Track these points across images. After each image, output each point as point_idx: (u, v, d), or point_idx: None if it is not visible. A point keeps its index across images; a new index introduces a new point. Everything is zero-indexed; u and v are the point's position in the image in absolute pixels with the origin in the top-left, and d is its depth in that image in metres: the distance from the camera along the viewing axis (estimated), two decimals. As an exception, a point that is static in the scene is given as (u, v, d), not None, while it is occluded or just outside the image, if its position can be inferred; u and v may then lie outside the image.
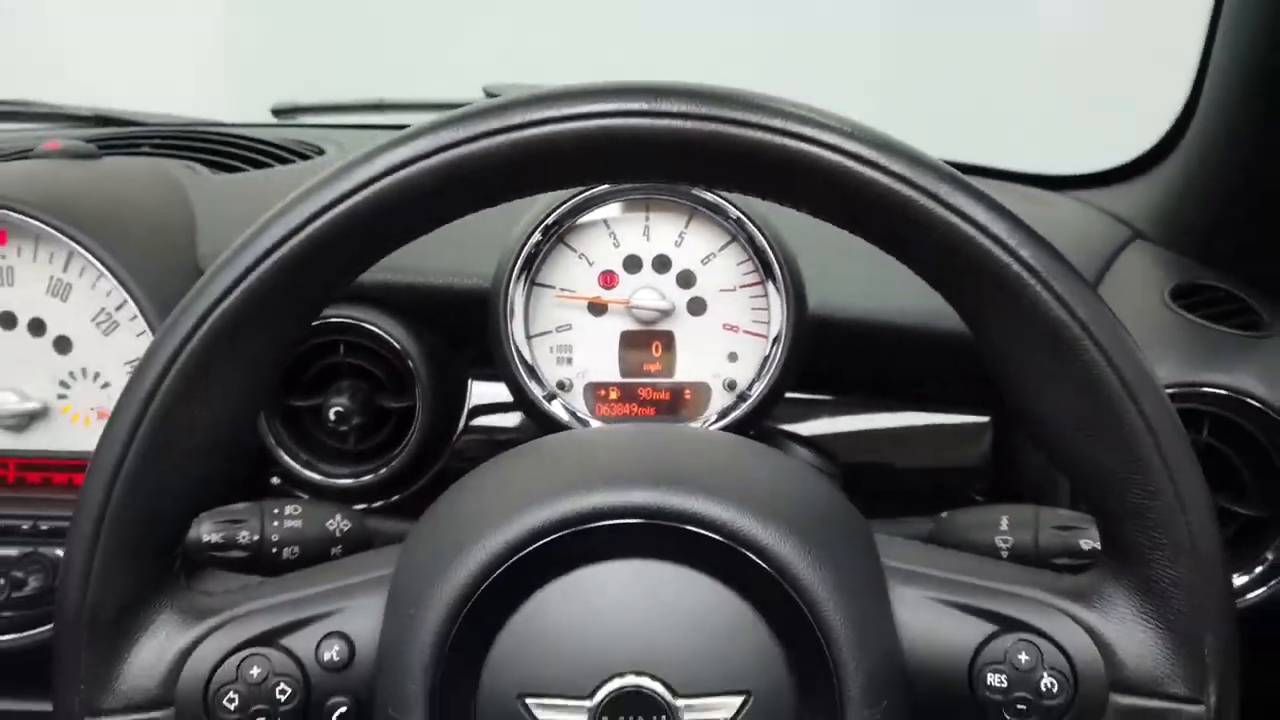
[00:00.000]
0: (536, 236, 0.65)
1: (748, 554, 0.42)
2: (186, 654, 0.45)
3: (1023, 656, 0.43)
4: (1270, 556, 0.68)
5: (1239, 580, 0.68)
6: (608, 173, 0.46)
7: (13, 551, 0.70)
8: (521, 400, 0.66)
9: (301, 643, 0.45)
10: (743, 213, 0.65)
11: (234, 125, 1.08)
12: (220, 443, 0.45)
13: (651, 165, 0.43)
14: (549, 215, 0.66)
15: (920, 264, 0.43)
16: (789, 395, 0.78)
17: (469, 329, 0.73)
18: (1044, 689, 0.43)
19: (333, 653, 0.45)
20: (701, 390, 0.67)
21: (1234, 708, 0.43)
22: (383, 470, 0.72)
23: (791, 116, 0.41)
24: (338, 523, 0.59)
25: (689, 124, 0.40)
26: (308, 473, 0.72)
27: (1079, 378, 0.42)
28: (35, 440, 0.73)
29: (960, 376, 0.77)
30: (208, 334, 0.43)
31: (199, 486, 0.45)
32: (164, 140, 0.92)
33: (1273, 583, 0.67)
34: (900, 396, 0.75)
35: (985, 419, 0.77)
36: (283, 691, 0.44)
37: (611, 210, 0.67)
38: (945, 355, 0.73)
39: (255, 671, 0.44)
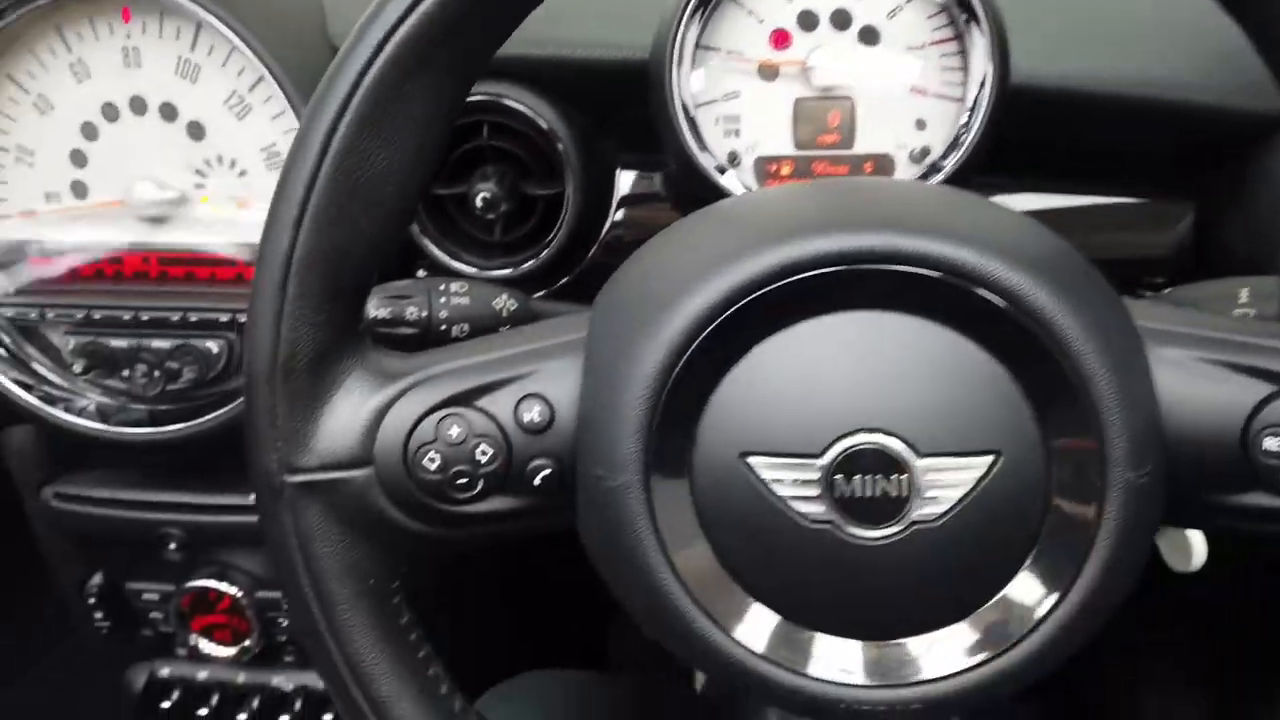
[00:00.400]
0: (702, -8, 0.59)
1: (995, 300, 0.38)
2: (383, 413, 0.43)
3: None
4: None
5: None
6: None
7: (165, 344, 0.69)
8: (689, 174, 0.61)
9: (499, 404, 0.43)
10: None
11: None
12: (401, 189, 0.42)
13: None
14: (715, -34, 0.59)
15: None
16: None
17: (619, 110, 0.68)
18: None
19: (533, 414, 0.42)
20: (885, 162, 0.61)
21: None
22: (531, 261, 0.69)
23: None
24: (504, 302, 0.56)
25: None
26: (454, 264, 0.69)
27: None
28: (175, 233, 0.71)
29: (1158, 155, 0.70)
30: (387, 63, 0.39)
31: (386, 232, 0.42)
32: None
33: None
34: (1096, 175, 0.68)
35: (1186, 207, 0.70)
36: (483, 452, 0.42)
37: (785, -38, 0.60)
38: (1149, 126, 0.66)
39: (455, 432, 0.42)
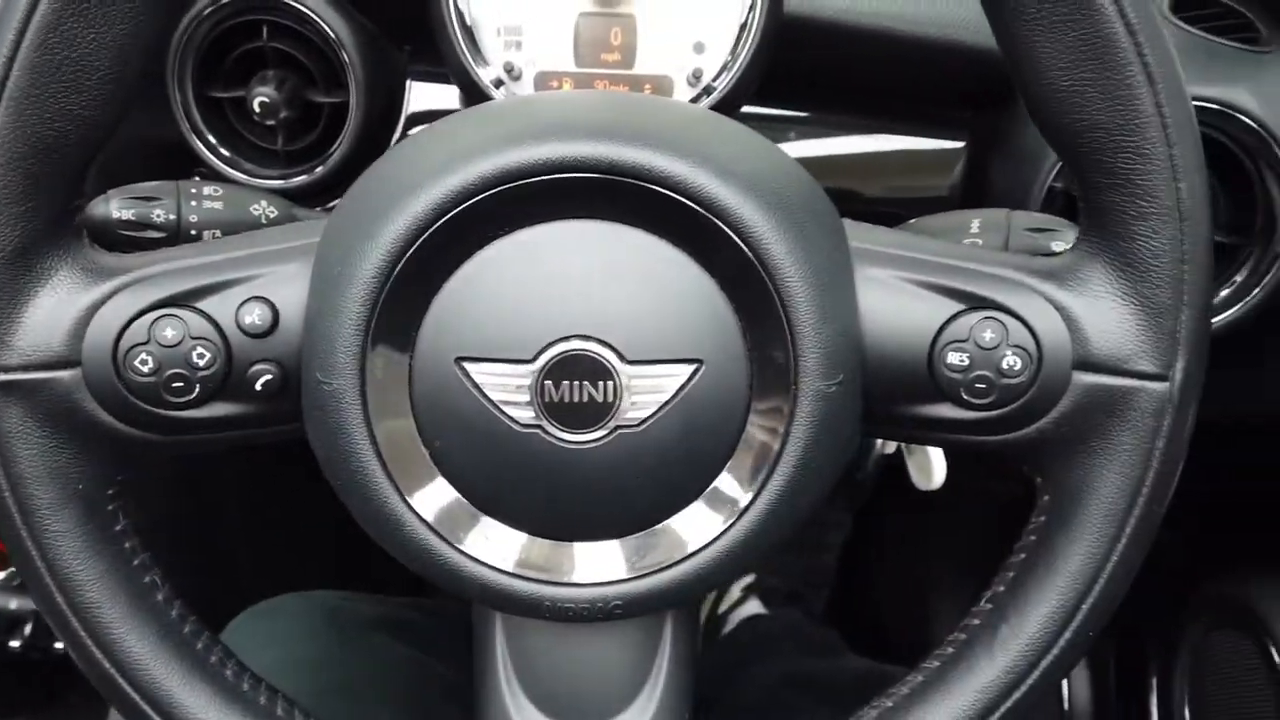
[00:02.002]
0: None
1: (705, 214, 0.39)
2: (92, 311, 0.41)
3: (987, 334, 0.41)
4: (1239, 280, 0.66)
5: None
6: None
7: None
8: (466, 87, 0.60)
9: (219, 306, 0.42)
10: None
11: None
12: (114, 71, 0.40)
13: None
14: None
15: None
16: (757, 111, 0.73)
17: (409, 18, 0.66)
18: (1005, 367, 0.41)
19: (254, 317, 0.41)
20: (664, 83, 0.61)
21: (1198, 390, 0.42)
22: (314, 172, 0.67)
23: None
24: (264, 208, 0.54)
25: None
26: (232, 172, 0.67)
27: (1084, 19, 0.37)
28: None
29: (938, 93, 0.72)
30: None
31: (96, 118, 0.40)
32: None
33: (1238, 305, 0.66)
34: (875, 112, 0.71)
35: (959, 144, 0.73)
36: (200, 355, 0.41)
37: None
38: (924, 65, 0.68)
39: (169, 333, 0.41)
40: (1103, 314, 0.41)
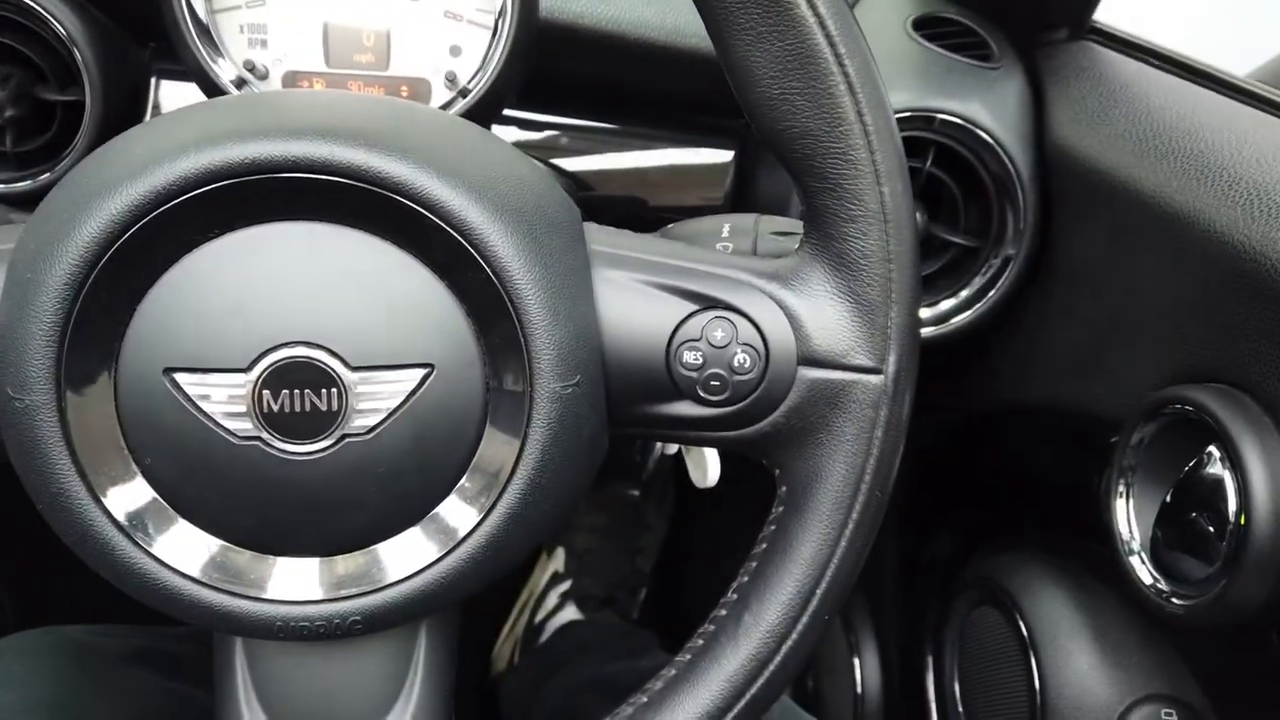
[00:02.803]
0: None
1: (429, 215, 0.38)
2: None
3: (718, 333, 0.42)
4: (978, 282, 0.71)
5: (947, 304, 0.71)
6: None
7: None
8: (205, 85, 0.57)
9: None
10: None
11: None
12: None
13: None
14: None
15: None
16: (529, 117, 0.73)
17: (153, 14, 0.62)
18: (736, 365, 0.42)
19: None
20: (421, 86, 0.60)
21: (911, 381, 0.44)
22: (45, 175, 0.62)
23: None
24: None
25: None
26: (-46, 174, 0.61)
27: (786, 31, 0.39)
28: None
29: (706, 104, 0.74)
30: None
31: None
32: None
33: (977, 306, 0.71)
34: (650, 122, 0.72)
35: (729, 155, 0.76)
36: None
37: None
38: (689, 76, 0.70)
39: None
40: (822, 312, 0.42)
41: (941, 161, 0.70)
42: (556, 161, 0.74)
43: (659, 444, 1.22)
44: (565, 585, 1.38)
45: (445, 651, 0.48)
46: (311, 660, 0.44)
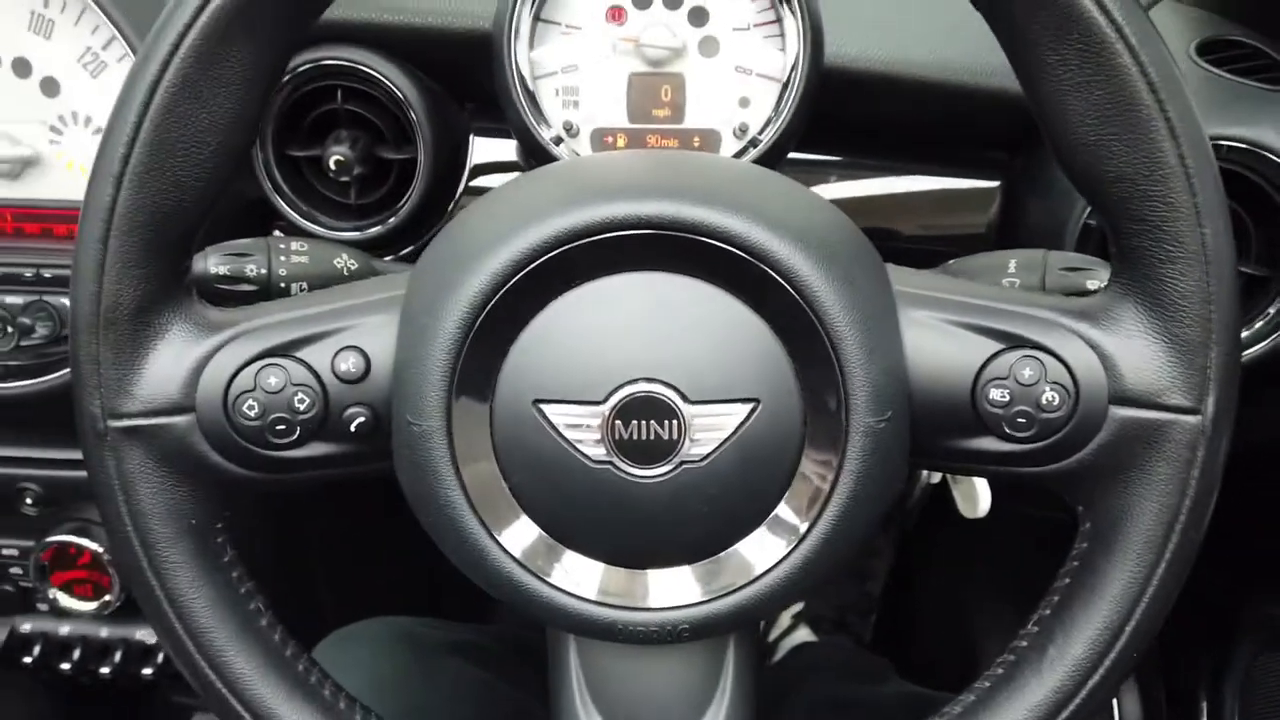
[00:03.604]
0: (541, -33, 0.62)
1: (758, 264, 0.42)
2: (204, 361, 0.45)
3: (1026, 371, 0.44)
4: (1272, 312, 0.68)
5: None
6: None
7: (18, 300, 0.70)
8: (528, 144, 0.64)
9: (317, 355, 0.46)
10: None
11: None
12: (222, 146, 0.44)
13: None
14: (554, -56, 0.62)
15: None
16: (800, 156, 0.77)
17: (472, 79, 0.71)
18: (1044, 403, 0.44)
19: (349, 365, 0.45)
20: (712, 136, 0.65)
21: (1229, 422, 0.44)
22: (385, 224, 0.71)
23: None
24: (345, 261, 0.59)
25: None
26: (309, 225, 0.72)
27: (1109, 79, 0.41)
28: (32, 189, 0.72)
29: (972, 136, 0.76)
30: (206, 25, 0.42)
31: (205, 188, 0.45)
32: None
33: (1272, 337, 0.68)
34: (912, 156, 0.74)
35: (994, 184, 0.76)
36: (301, 400, 0.45)
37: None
38: (958, 110, 0.72)
39: (273, 381, 0.45)
40: (1136, 351, 0.43)
41: (1230, 188, 0.68)
42: (824, 190, 0.77)
43: (924, 473, 1.22)
44: (798, 606, 1.41)
45: (749, 661, 0.52)
46: (640, 664, 0.50)
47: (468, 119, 0.74)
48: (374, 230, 0.71)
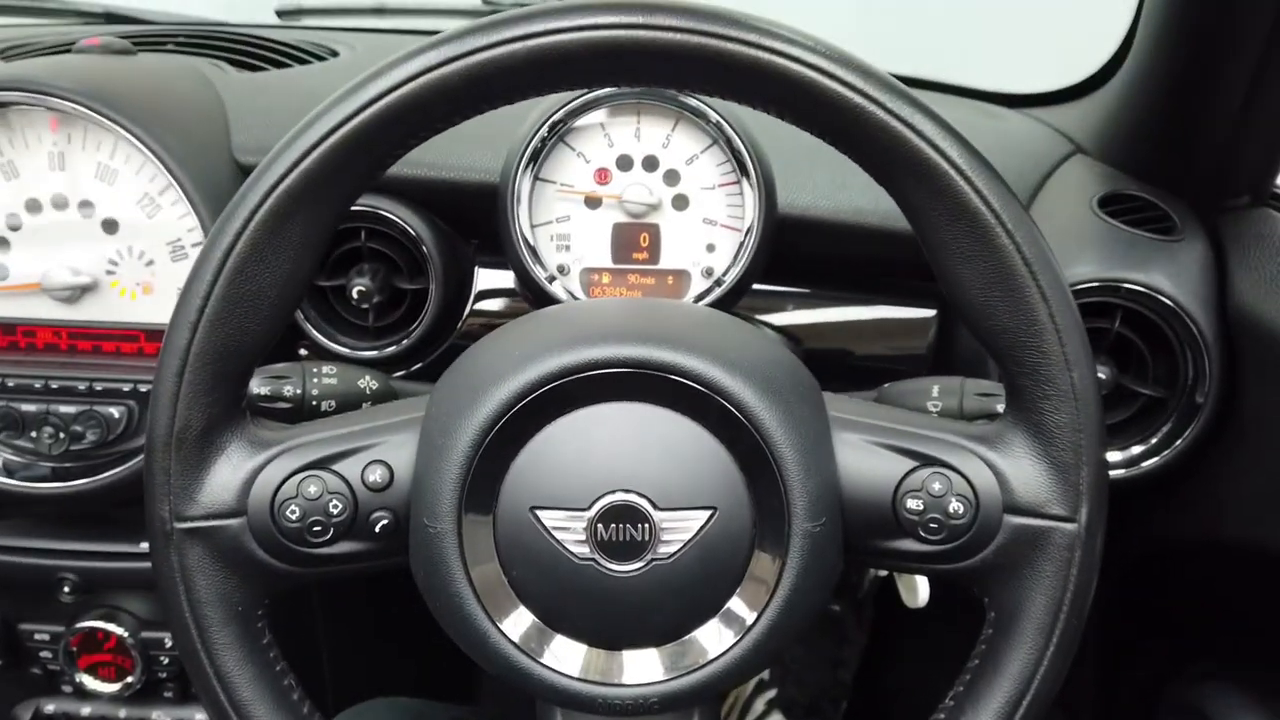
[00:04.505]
0: (541, 135, 0.74)
1: (715, 397, 0.52)
2: (255, 474, 0.54)
3: (936, 485, 0.54)
4: (1165, 429, 0.79)
5: (1137, 449, 0.79)
6: (611, 78, 0.54)
7: (71, 409, 0.79)
8: (526, 281, 0.75)
9: (350, 468, 0.55)
10: (723, 119, 0.73)
11: (242, 25, 1.14)
12: (282, 297, 0.54)
13: (650, 71, 0.51)
14: (551, 116, 0.74)
15: (867, 161, 0.52)
16: (760, 287, 0.88)
17: (477, 220, 0.82)
18: (951, 511, 0.53)
19: (376, 476, 0.55)
20: (683, 276, 0.76)
21: (1101, 528, 0.54)
22: (400, 344, 0.81)
23: (768, 33, 0.49)
24: (367, 382, 0.69)
25: (683, 37, 0.49)
26: (332, 345, 0.82)
27: (992, 258, 0.51)
28: (86, 312, 0.81)
29: (910, 272, 0.87)
30: (275, 203, 0.51)
31: (265, 332, 0.54)
32: (188, 39, 0.99)
33: (1165, 452, 0.78)
34: (858, 289, 0.85)
35: (931, 313, 0.87)
36: (335, 506, 0.54)
37: (606, 114, 0.75)
38: (896, 251, 0.83)
39: (312, 489, 0.54)
40: (1023, 470, 0.53)
41: (1129, 321, 0.79)
42: (773, 318, 0.88)
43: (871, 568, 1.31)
44: (771, 693, 1.47)
45: None
46: None
47: (473, 253, 0.85)
48: (390, 350, 0.81)
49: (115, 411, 0.79)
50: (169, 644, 0.87)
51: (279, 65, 0.94)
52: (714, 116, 0.73)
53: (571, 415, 0.53)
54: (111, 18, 1.24)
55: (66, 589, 0.84)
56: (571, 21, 0.49)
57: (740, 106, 0.53)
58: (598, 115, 0.75)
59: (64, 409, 0.79)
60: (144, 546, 0.84)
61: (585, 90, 0.73)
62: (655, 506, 0.52)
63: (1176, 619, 0.94)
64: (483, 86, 0.50)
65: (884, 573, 1.25)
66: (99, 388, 0.79)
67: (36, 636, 0.88)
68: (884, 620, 1.46)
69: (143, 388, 0.79)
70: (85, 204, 0.79)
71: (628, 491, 0.52)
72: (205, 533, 0.54)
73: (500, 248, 0.79)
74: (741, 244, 0.73)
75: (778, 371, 0.55)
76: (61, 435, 0.79)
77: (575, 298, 0.76)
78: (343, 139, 0.51)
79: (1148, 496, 0.79)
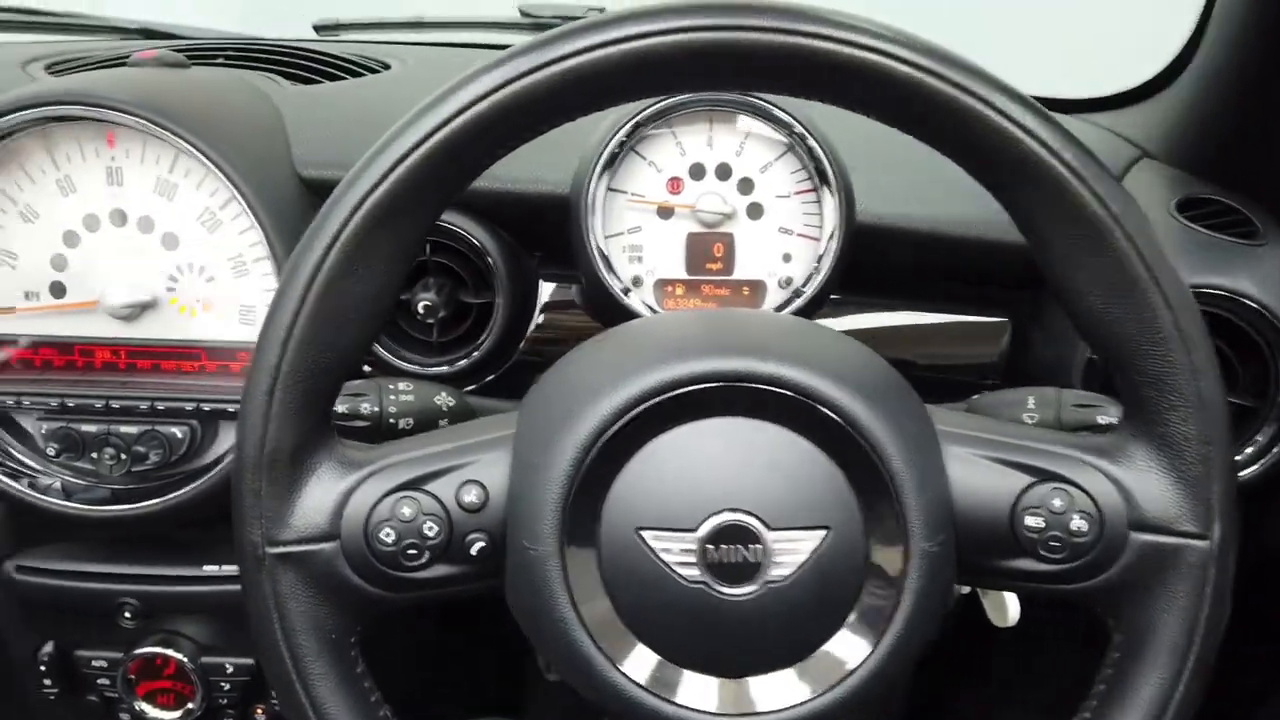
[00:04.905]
0: (613, 145, 0.72)
1: (825, 411, 0.50)
2: (348, 495, 0.53)
3: (1056, 502, 0.52)
4: (1260, 439, 0.77)
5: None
6: (707, 82, 0.52)
7: (133, 429, 0.77)
8: (598, 293, 0.73)
9: (443, 488, 0.53)
10: (801, 124, 0.72)
11: (284, 40, 1.13)
12: (370, 313, 0.52)
13: (749, 74, 0.50)
14: (623, 126, 0.72)
15: (978, 166, 0.51)
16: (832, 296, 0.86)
17: (542, 233, 0.80)
18: (1074, 529, 0.51)
19: (471, 496, 0.53)
20: (758, 287, 0.74)
21: (1235, 545, 0.51)
22: (466, 359, 0.80)
23: (877, 35, 0.47)
24: (444, 398, 0.67)
25: (778, 38, 0.47)
26: (398, 361, 0.80)
27: (1112, 264, 0.49)
28: (145, 329, 0.79)
29: (985, 280, 0.85)
30: (365, 216, 0.50)
31: (354, 349, 0.52)
32: (237, 53, 0.97)
33: (1262, 462, 0.76)
34: (930, 296, 0.83)
35: (1004, 319, 0.85)
36: (430, 529, 0.52)
37: (679, 122, 0.73)
38: (973, 260, 0.81)
39: (406, 511, 0.52)
40: (1150, 484, 0.51)
41: (1215, 328, 0.77)
42: (836, 323, 0.86)
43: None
44: None
45: None
46: None
47: (536, 266, 0.83)
48: (461, 364, 0.79)
49: (178, 431, 0.77)
50: (230, 669, 0.85)
51: (332, 78, 0.93)
52: (791, 123, 0.72)
53: (673, 432, 0.52)
54: (148, 33, 1.23)
55: (127, 614, 0.83)
56: (675, 23, 0.47)
57: (815, 111, 0.51)
58: (670, 123, 0.73)
59: (125, 429, 0.77)
60: (206, 569, 0.82)
61: (660, 98, 0.72)
62: (767, 526, 0.50)
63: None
64: (572, 93, 0.48)
65: (965, 589, 1.22)
66: (161, 407, 0.77)
67: (94, 663, 0.86)
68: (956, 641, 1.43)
69: (206, 406, 0.77)
70: (144, 219, 0.78)
71: (737, 511, 0.50)
72: (298, 558, 0.52)
73: (568, 259, 0.78)
74: (822, 252, 0.72)
75: (883, 383, 0.53)
76: (123, 456, 0.77)
77: (652, 310, 0.75)
78: (434, 148, 0.49)
79: (1248, 505, 0.77)
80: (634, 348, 0.55)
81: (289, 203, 0.77)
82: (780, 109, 0.72)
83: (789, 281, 0.73)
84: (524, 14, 1.25)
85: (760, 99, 0.70)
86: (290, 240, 0.74)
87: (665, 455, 0.51)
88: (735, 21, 0.47)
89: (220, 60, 0.96)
